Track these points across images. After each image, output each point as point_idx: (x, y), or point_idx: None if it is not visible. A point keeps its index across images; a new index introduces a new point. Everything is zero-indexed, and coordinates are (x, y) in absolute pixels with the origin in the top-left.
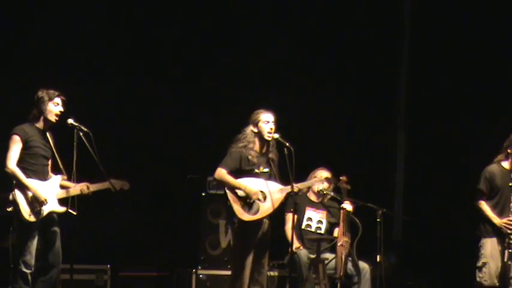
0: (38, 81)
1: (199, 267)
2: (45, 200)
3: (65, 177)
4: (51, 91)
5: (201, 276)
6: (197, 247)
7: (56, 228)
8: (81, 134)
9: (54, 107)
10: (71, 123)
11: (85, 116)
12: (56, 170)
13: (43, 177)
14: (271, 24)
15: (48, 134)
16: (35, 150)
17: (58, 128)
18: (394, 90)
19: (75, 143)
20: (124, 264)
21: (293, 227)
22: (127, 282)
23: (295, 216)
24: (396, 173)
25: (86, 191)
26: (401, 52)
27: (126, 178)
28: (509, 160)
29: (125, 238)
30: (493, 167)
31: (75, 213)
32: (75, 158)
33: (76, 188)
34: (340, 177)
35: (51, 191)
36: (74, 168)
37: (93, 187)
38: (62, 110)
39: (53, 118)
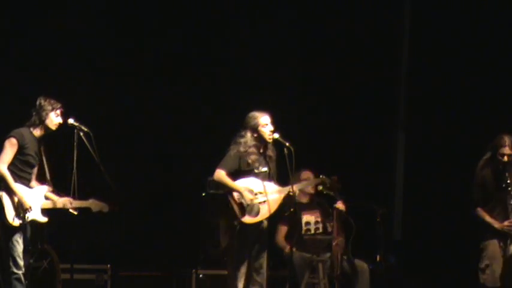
0: (38, 82)
1: (199, 267)
2: (30, 207)
3: (51, 188)
4: (54, 101)
5: (201, 276)
6: (197, 247)
7: (41, 228)
8: (81, 134)
9: (55, 118)
10: (71, 123)
11: (85, 116)
12: (42, 180)
13: (27, 184)
14: (270, 23)
15: (42, 143)
16: (27, 158)
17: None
18: (394, 90)
19: (75, 143)
20: (124, 264)
21: (290, 231)
22: (127, 282)
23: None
24: (396, 173)
25: (68, 205)
26: (401, 52)
27: (126, 178)
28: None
29: (125, 238)
30: (479, 174)
31: (75, 213)
32: (75, 158)
33: (60, 201)
34: (331, 177)
35: (36, 200)
36: (74, 168)
37: (75, 203)
38: (61, 121)
39: (54, 127)
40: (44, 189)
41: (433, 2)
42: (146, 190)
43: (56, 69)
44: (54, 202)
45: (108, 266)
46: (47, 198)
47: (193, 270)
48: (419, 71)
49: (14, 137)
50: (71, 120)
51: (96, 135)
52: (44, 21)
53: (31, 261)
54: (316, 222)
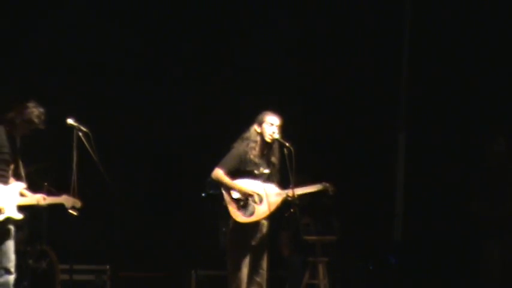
0: (37, 82)
1: (199, 267)
2: (3, 209)
3: (25, 185)
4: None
5: (201, 276)
6: (197, 247)
7: (9, 231)
8: (80, 134)
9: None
10: (71, 124)
11: (85, 116)
12: (16, 176)
13: (5, 181)
14: (270, 24)
15: (17, 139)
16: (4, 157)
17: (57, 128)
18: (395, 91)
19: (74, 144)
20: (124, 264)
21: (287, 235)
22: (127, 282)
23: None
24: (397, 174)
25: (42, 202)
26: (401, 52)
27: (126, 178)
28: None
29: (125, 238)
30: None
31: (75, 213)
32: (75, 159)
33: (33, 198)
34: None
35: (10, 197)
36: (74, 168)
37: (49, 200)
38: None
39: (27, 131)
40: (20, 186)
41: (433, 4)
42: (146, 190)
43: (56, 69)
44: (27, 199)
45: (108, 266)
46: (21, 195)
47: (193, 270)
48: (420, 72)
49: None
50: (70, 120)
51: (95, 136)
52: (46, 22)
53: (30, 261)
54: (315, 222)
